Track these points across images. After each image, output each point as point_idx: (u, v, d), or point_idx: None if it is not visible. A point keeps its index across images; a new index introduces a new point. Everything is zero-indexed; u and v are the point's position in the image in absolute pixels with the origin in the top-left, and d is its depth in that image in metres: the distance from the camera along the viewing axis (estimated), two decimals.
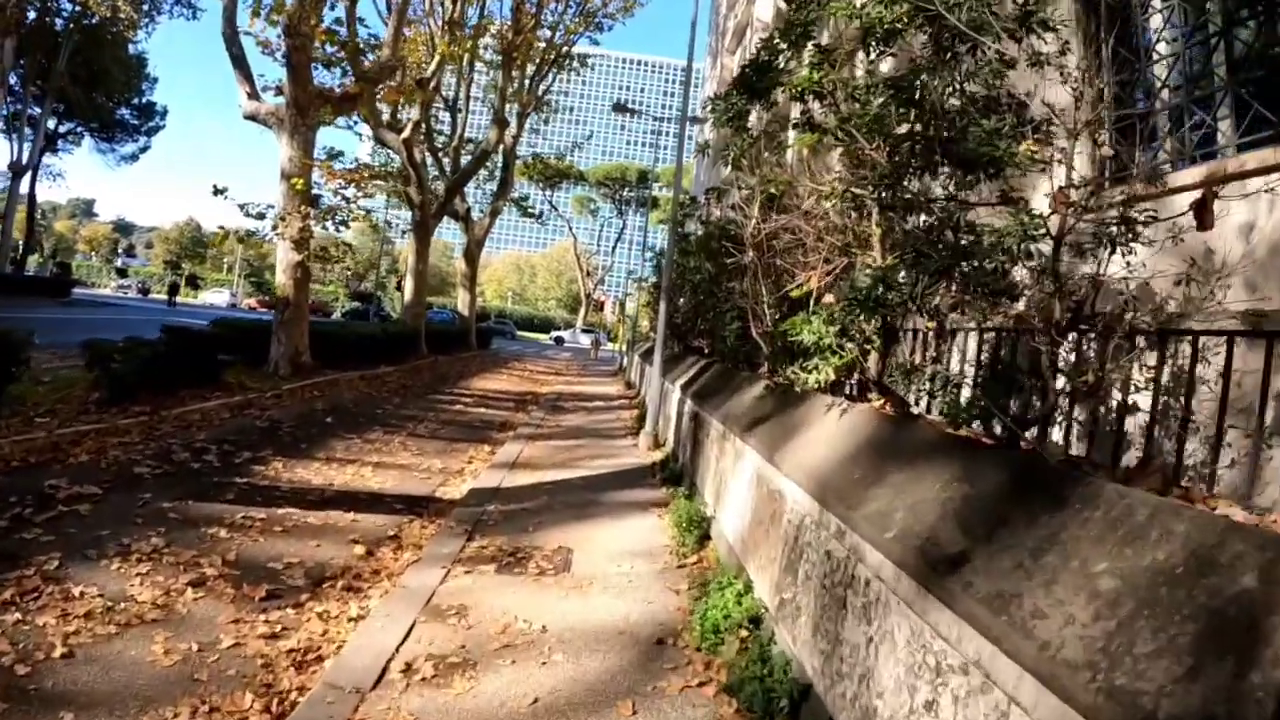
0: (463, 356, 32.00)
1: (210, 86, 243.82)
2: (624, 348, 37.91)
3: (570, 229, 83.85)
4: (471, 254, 35.20)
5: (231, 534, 6.46)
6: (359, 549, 6.56)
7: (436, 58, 22.80)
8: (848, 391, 5.51)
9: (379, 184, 24.68)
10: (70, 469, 7.64)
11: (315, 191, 16.81)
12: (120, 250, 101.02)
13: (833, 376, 5.11)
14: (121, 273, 67.62)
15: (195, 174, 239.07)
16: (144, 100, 53.83)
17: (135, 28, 42.14)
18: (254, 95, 16.50)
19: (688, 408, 10.08)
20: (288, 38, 15.39)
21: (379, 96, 21.42)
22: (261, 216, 16.30)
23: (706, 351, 12.06)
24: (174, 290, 55.30)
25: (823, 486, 4.08)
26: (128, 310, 37.52)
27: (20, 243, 46.85)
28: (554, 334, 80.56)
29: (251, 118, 16.37)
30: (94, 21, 41.82)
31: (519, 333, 78.15)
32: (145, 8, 43.57)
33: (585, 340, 66.29)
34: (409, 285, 28.62)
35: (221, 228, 16.45)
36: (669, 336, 13.56)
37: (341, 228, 18.89)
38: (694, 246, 11.46)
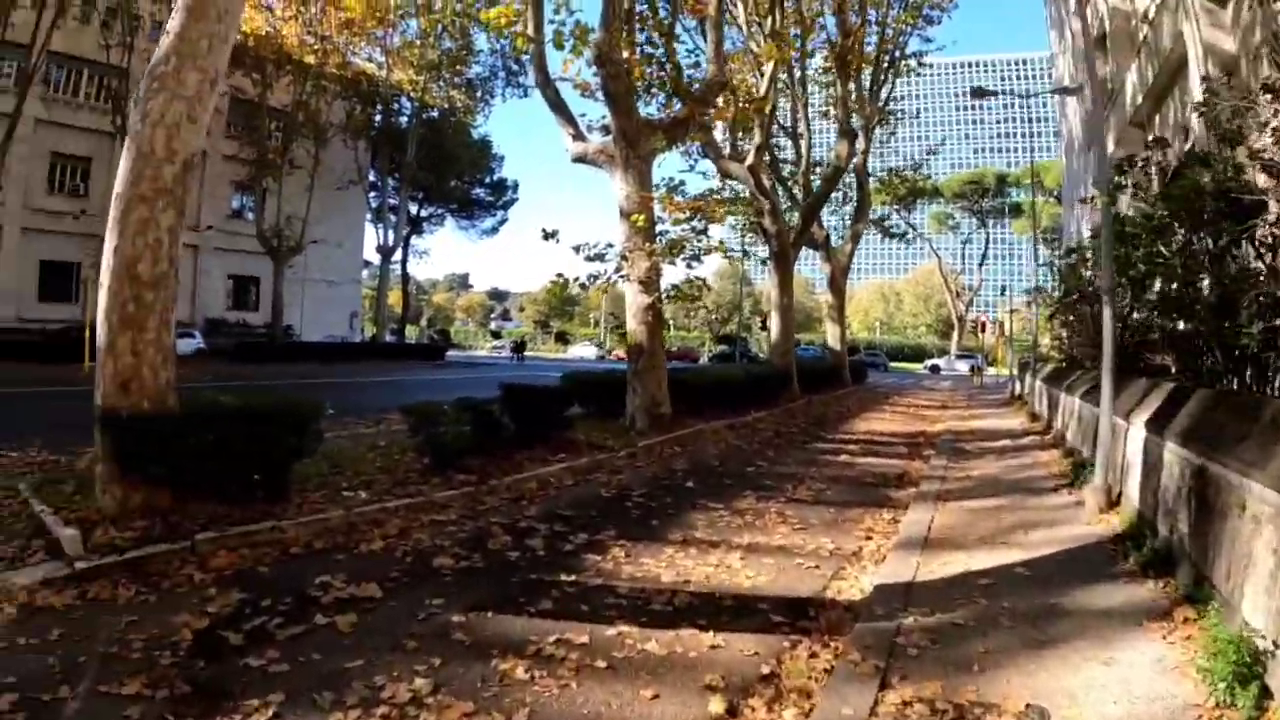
0: (837, 394, 31.17)
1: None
2: (1013, 371, 36.15)
3: (932, 248, 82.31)
4: (837, 283, 35.23)
5: (533, 672, 4.76)
6: (716, 704, 4.52)
7: (767, 71, 21.96)
8: None
9: (731, 215, 24.37)
10: (356, 559, 6.74)
11: (660, 227, 16.42)
12: (494, 315, 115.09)
13: None
14: (495, 335, 76.92)
15: (561, 240, 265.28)
16: (495, 178, 63.93)
17: (472, 114, 50.07)
18: (579, 136, 16.77)
19: (1176, 456, 6.83)
20: (599, 67, 15.40)
21: (710, 117, 20.83)
22: (600, 258, 15.83)
23: (1174, 370, 10.21)
24: (519, 348, 62.79)
25: None
26: (494, 369, 40.73)
27: (400, 314, 54.65)
28: (929, 363, 78.57)
29: (580, 159, 16.57)
30: (434, 115, 51.81)
31: (890, 364, 77.23)
32: (479, 94, 52.66)
33: (962, 367, 66.04)
34: (775, 321, 28.36)
35: (559, 275, 16.00)
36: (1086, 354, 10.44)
37: (693, 263, 18.10)
38: (1146, 225, 9.82)
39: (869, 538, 8.63)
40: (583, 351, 73.51)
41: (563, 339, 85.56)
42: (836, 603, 6.34)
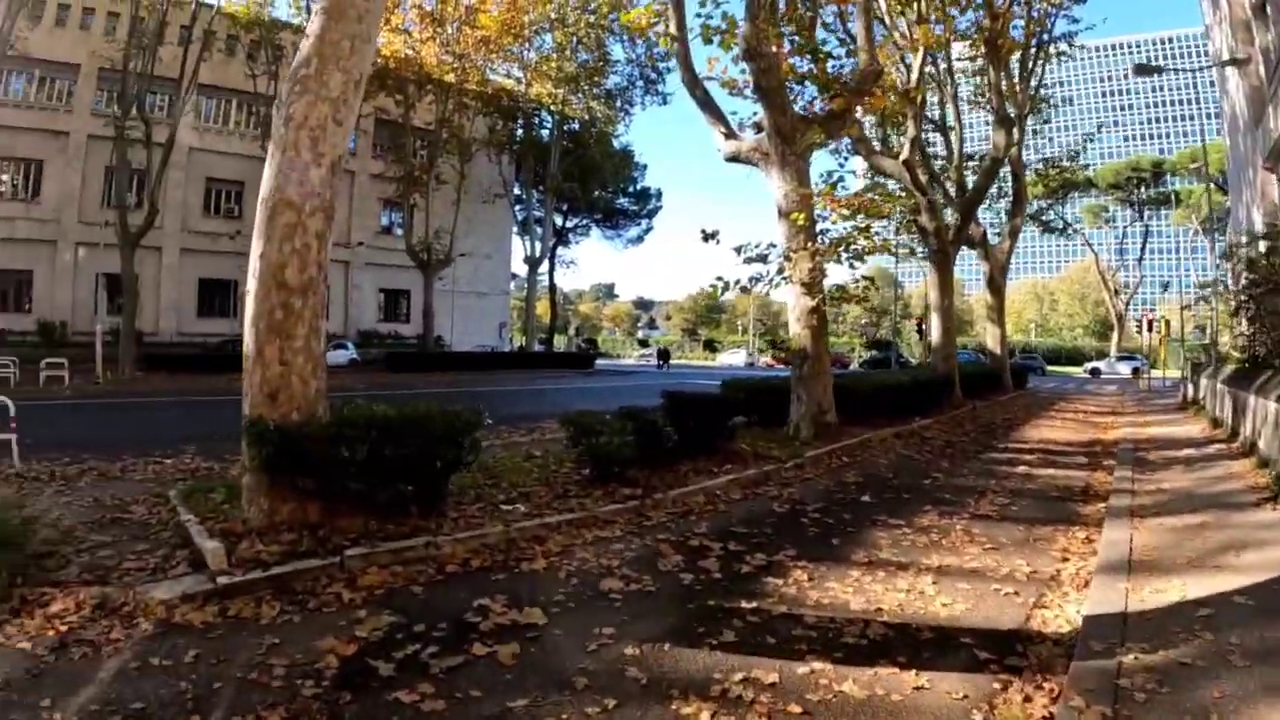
0: (1000, 400, 29.57)
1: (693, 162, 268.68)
2: (1184, 374, 33.51)
3: (1088, 244, 79.65)
4: (995, 282, 33.88)
5: (719, 718, 4.14)
6: None
7: (916, 60, 21.09)
8: None
9: (891, 210, 23.58)
10: (517, 580, 6.29)
11: (820, 226, 15.87)
12: (640, 324, 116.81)
13: None
14: (642, 343, 77.50)
15: (705, 248, 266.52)
16: (638, 187, 64.69)
17: (613, 124, 50.85)
18: (731, 135, 16.47)
19: None
20: (749, 61, 15.09)
21: (865, 108, 20.05)
22: (763, 259, 15.37)
23: None
24: (664, 355, 63.29)
25: None
26: (642, 377, 41.06)
27: (548, 324, 55.76)
28: (1088, 366, 75.95)
29: (734, 159, 16.24)
30: (575, 126, 53.28)
31: (1047, 367, 74.23)
32: (618, 104, 53.46)
33: (1124, 369, 63.39)
34: (935, 324, 27.67)
35: (719, 279, 15.57)
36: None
37: (855, 263, 17.28)
38: None
39: (1065, 559, 7.75)
40: (731, 359, 72.98)
41: (710, 346, 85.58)
42: (1044, 636, 5.53)
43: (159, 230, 37.23)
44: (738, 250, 15.49)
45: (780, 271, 15.19)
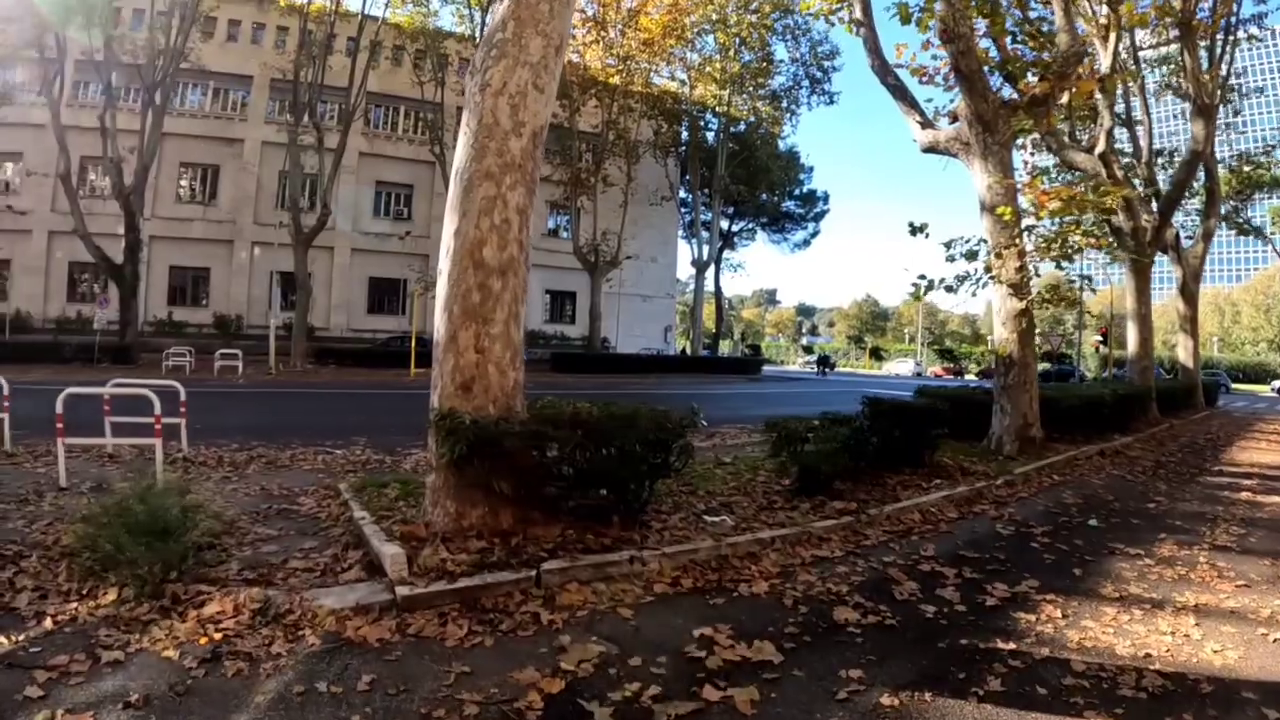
0: (1194, 418, 27.48)
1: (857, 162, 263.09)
2: None
3: (1276, 250, 71.15)
4: (1188, 289, 31.01)
5: None
6: None
7: (1110, 43, 19.27)
8: None
9: (1114, 202, 21.73)
10: (737, 605, 5.39)
11: (1025, 222, 14.84)
12: (804, 330, 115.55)
13: None
14: (807, 350, 76.07)
15: (867, 253, 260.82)
16: (804, 190, 62.79)
17: (779, 125, 49.93)
18: (927, 124, 15.54)
19: None
20: (946, 44, 13.95)
21: (1072, 92, 18.39)
22: (973, 255, 14.18)
23: None
24: (825, 363, 61.60)
25: None
26: (810, 384, 40.28)
27: (712, 330, 55.05)
28: (1276, 384, 72.65)
29: (931, 149, 15.27)
30: (741, 128, 52.63)
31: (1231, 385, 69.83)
32: (784, 105, 52.53)
33: None
34: (1132, 333, 25.92)
35: (921, 277, 14.42)
36: None
37: (1064, 262, 15.68)
38: None
39: None
40: (899, 368, 70.70)
41: (876, 355, 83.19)
42: None
43: (330, 231, 38.65)
44: (946, 246, 14.41)
45: (988, 270, 13.98)
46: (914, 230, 14.47)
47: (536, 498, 5.99)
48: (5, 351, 27.49)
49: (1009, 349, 13.91)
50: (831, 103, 51.99)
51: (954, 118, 15.36)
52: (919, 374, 64.60)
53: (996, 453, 13.18)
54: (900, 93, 15.55)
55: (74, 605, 4.53)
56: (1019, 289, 13.65)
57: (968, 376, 66.15)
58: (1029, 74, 15.70)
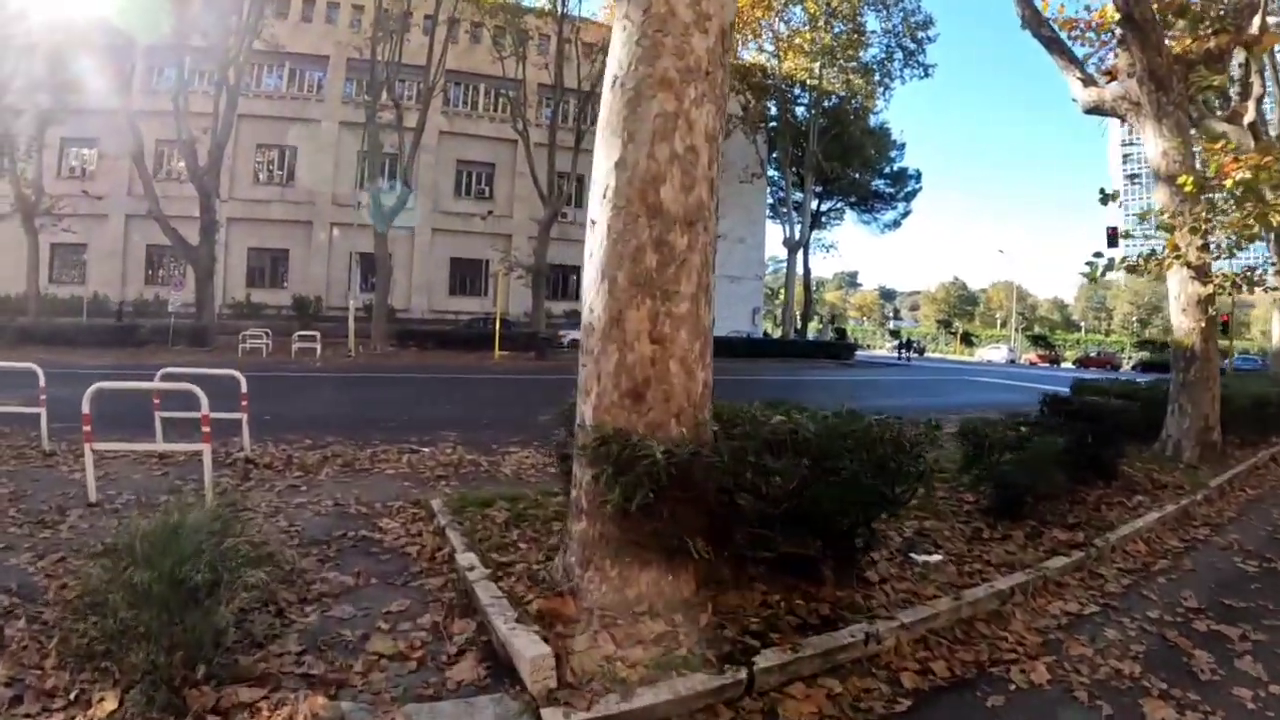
0: None
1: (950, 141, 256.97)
2: None
3: None
4: None
5: None
6: None
7: None
8: None
9: None
10: (1020, 704, 3.77)
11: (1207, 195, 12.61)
12: (887, 314, 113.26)
13: None
14: (894, 334, 73.45)
15: (948, 236, 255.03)
16: (894, 168, 59.43)
17: (872, 99, 47.75)
18: (1089, 81, 13.58)
19: None
20: None
21: (1253, 49, 16.34)
22: (1169, 229, 12.16)
23: None
24: (908, 346, 58.68)
25: None
26: (907, 370, 38.43)
27: (798, 312, 53.53)
28: None
29: (1094, 110, 13.50)
30: (833, 102, 49.96)
31: None
32: (876, 78, 50.08)
33: None
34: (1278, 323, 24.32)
35: (1097, 254, 12.73)
36: None
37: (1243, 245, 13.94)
38: None
39: None
40: (991, 354, 67.47)
41: (968, 340, 79.78)
42: None
43: (410, 211, 37.56)
44: (1140, 218, 12.82)
45: (1174, 250, 11.96)
46: (1104, 199, 12.64)
47: (722, 548, 4.20)
48: (80, 334, 27.10)
49: (1190, 340, 12.02)
50: (926, 75, 49.36)
51: (1111, 76, 13.50)
52: (1012, 361, 61.94)
53: (1174, 459, 11.39)
54: (1056, 45, 13.81)
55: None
56: (1203, 272, 11.81)
57: (1064, 365, 63.29)
58: (1199, 26, 13.89)
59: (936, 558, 5.39)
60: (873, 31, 48.30)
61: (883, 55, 49.05)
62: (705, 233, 4.40)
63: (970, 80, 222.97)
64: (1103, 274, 12.97)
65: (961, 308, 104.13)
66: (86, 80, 31.51)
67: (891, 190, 58.67)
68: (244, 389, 8.21)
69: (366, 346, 30.18)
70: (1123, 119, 13.10)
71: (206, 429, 6.16)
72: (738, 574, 4.28)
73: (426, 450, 9.26)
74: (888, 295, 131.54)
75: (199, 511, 4.05)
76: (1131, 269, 12.66)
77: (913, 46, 48.25)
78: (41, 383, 8.31)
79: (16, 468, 7.38)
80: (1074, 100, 13.68)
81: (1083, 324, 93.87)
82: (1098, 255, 12.51)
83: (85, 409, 5.97)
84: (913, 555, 5.30)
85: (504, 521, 5.53)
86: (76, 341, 25.81)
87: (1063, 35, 14.59)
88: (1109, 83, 13.50)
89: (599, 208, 4.46)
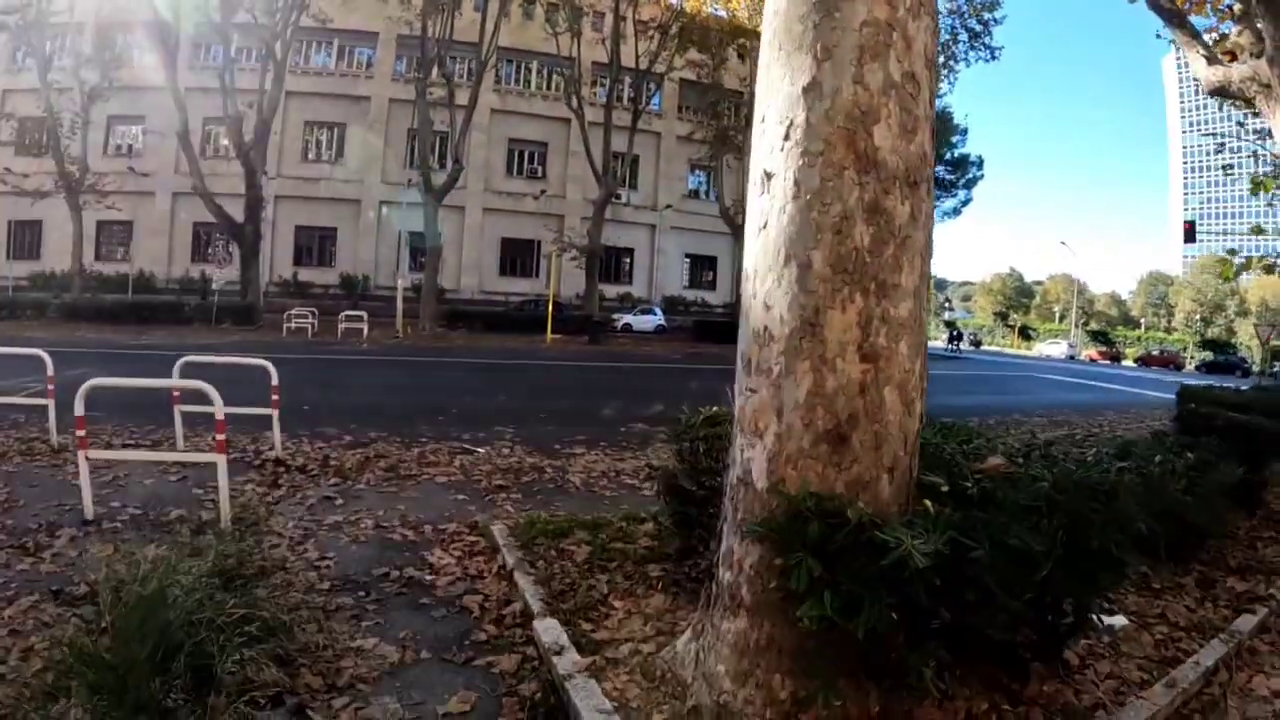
0: None
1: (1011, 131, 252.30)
2: None
3: None
4: None
5: None
6: None
7: None
8: None
9: None
10: None
11: None
12: (940, 305, 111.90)
13: None
14: (949, 325, 71.62)
15: (1007, 223, 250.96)
16: (956, 154, 56.64)
17: (936, 79, 46.02)
18: (1213, 59, 12.30)
19: None
20: None
21: None
22: None
23: None
24: (958, 337, 57.53)
25: None
26: (966, 364, 37.44)
27: None
28: None
29: (1219, 91, 12.25)
30: None
31: None
32: (941, 60, 47.06)
33: None
34: None
35: (1231, 252, 11.74)
36: None
37: None
38: None
39: None
40: (1050, 350, 65.25)
41: (1025, 334, 77.38)
42: None
43: (461, 190, 37.03)
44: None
45: None
46: (1255, 188, 11.65)
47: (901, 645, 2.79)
48: (125, 310, 26.97)
49: None
50: (993, 58, 47.37)
51: (1231, 56, 12.36)
52: (1072, 357, 59.83)
53: None
54: (1178, 19, 12.51)
55: None
56: None
57: (1125, 362, 61.20)
58: None
59: (1120, 620, 4.22)
60: (938, 11, 46.84)
61: (948, 36, 47.41)
62: (928, 198, 3.10)
63: (1039, 70, 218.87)
64: (1238, 274, 11.82)
65: (1018, 300, 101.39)
66: (133, 57, 31.12)
67: (952, 177, 55.96)
68: (274, 381, 7.19)
69: (415, 327, 29.60)
70: (1250, 101, 11.75)
71: (221, 436, 5.03)
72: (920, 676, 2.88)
73: (481, 451, 8.21)
74: (939, 285, 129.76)
75: (198, 561, 3.07)
76: (1269, 269, 11.50)
77: (978, 28, 46.40)
78: (49, 371, 7.33)
79: (19, 466, 6.43)
80: (1196, 79, 12.41)
81: (1142, 321, 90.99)
82: (1232, 253, 11.41)
83: (79, 410, 4.91)
84: (1099, 618, 4.17)
85: (585, 562, 4.45)
86: (121, 318, 25.71)
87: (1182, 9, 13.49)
88: (1229, 62, 12.37)
89: (778, 155, 3.05)
